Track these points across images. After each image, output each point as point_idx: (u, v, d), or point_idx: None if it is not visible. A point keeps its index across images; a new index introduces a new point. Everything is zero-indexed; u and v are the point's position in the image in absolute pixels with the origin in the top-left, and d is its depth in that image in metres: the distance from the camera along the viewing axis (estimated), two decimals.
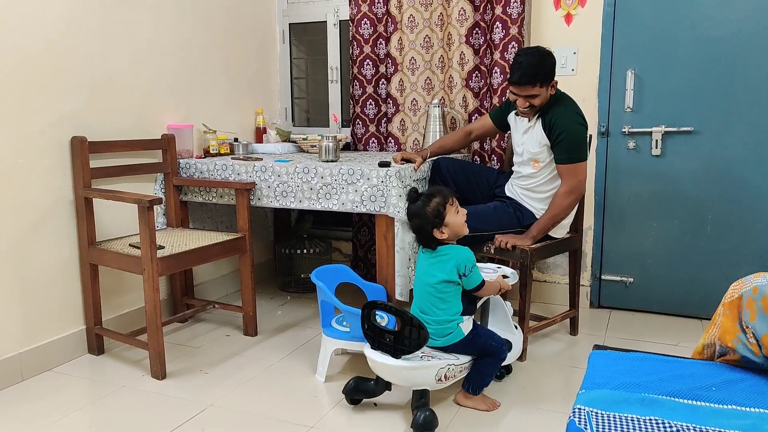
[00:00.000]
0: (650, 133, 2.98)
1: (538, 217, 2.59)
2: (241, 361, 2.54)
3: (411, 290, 2.34)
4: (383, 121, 3.47)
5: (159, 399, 2.22)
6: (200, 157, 3.04)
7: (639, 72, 2.97)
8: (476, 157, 3.24)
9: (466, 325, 2.09)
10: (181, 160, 2.94)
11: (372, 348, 2.06)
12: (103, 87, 2.62)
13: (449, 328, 2.06)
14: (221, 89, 3.32)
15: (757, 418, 1.27)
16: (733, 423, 1.25)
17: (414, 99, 3.35)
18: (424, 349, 2.04)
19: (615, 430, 1.24)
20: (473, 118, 3.19)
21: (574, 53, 3.06)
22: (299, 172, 2.66)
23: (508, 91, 2.65)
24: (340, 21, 3.66)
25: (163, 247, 2.44)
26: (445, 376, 2.04)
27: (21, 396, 2.25)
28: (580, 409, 1.32)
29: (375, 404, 2.16)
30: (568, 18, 3.07)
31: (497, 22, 3.05)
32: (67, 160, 2.49)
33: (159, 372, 2.36)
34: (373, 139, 3.50)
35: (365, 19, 3.38)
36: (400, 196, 2.48)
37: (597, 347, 1.71)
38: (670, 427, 1.24)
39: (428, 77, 3.31)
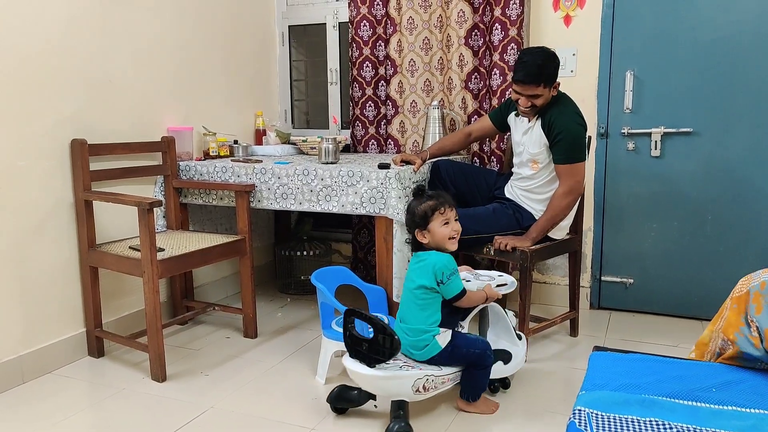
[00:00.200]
0: (649, 134, 2.98)
1: (537, 218, 2.59)
2: (242, 363, 2.54)
3: None
4: (383, 123, 3.47)
5: (159, 401, 2.22)
6: (200, 159, 3.05)
7: (638, 73, 2.98)
8: (475, 158, 3.24)
9: (443, 337, 2.01)
10: (180, 163, 2.94)
11: (350, 356, 2.01)
12: (102, 89, 2.62)
13: (425, 340, 2.00)
14: (221, 91, 3.32)
15: (757, 419, 1.27)
16: (733, 424, 1.25)
17: (413, 101, 3.36)
18: (407, 360, 2.02)
19: (615, 431, 1.24)
20: (472, 119, 3.19)
21: (573, 54, 3.06)
22: (299, 174, 2.67)
23: (509, 90, 2.66)
24: (339, 23, 3.66)
25: (163, 250, 2.44)
26: (424, 387, 1.97)
27: (22, 398, 2.25)
28: (580, 410, 1.33)
29: (375, 406, 2.15)
30: (567, 19, 3.07)
31: (496, 24, 3.05)
32: (67, 162, 2.49)
33: (159, 374, 2.36)
34: (372, 140, 3.50)
35: (364, 21, 3.38)
36: (400, 197, 2.48)
37: (597, 348, 1.71)
38: (670, 428, 1.24)
39: (427, 79, 3.31)
